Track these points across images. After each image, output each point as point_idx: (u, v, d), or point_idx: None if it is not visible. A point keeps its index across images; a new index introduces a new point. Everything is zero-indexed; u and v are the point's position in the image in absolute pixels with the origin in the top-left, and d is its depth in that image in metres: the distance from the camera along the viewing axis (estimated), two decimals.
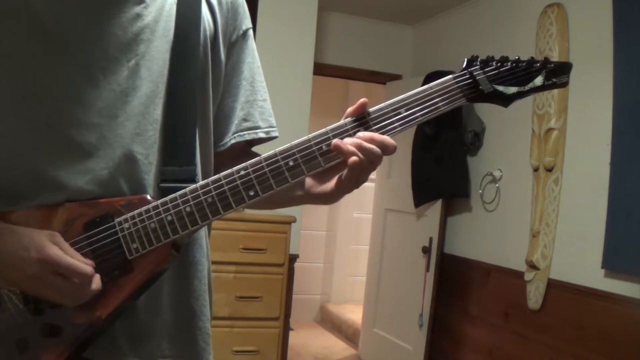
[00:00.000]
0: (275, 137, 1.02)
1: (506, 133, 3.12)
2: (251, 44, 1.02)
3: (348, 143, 0.80)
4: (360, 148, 0.80)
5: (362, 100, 0.84)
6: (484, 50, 3.26)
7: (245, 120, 0.99)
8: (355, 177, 0.83)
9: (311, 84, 3.33)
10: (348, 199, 5.65)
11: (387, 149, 0.81)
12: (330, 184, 0.87)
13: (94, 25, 0.83)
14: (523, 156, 2.89)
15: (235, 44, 0.99)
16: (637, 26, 2.32)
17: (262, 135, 1.00)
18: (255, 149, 1.04)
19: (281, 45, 3.20)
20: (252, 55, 1.02)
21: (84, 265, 0.77)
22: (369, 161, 0.81)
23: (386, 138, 0.82)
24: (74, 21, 0.82)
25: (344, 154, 0.80)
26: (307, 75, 3.31)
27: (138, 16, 0.85)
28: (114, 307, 0.79)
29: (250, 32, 1.02)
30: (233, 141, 0.98)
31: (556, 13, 2.73)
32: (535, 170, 2.80)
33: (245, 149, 1.03)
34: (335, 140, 0.80)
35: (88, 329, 0.79)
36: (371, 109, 0.83)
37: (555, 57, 2.70)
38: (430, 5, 3.72)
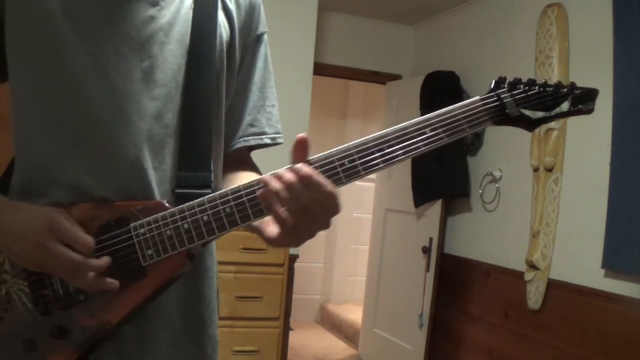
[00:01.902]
0: (280, 144, 1.01)
1: (506, 133, 3.12)
2: (264, 49, 1.01)
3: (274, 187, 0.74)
4: (290, 188, 0.74)
5: (300, 138, 0.76)
6: (484, 51, 3.24)
7: (251, 125, 0.99)
8: (286, 227, 0.76)
9: (311, 84, 3.33)
10: (348, 199, 5.66)
11: (320, 190, 0.73)
12: (274, 227, 0.80)
13: (107, 23, 0.83)
14: (523, 156, 2.89)
15: (249, 47, 0.98)
16: (637, 26, 2.32)
17: (268, 141, 0.99)
18: (260, 153, 1.04)
19: (281, 45, 3.20)
20: (265, 60, 1.01)
21: (87, 236, 0.77)
22: (302, 206, 0.74)
23: (323, 181, 0.73)
24: (86, 17, 0.82)
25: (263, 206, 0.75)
26: (307, 75, 3.31)
27: (152, 18, 0.85)
28: (126, 313, 0.78)
29: (265, 37, 1.01)
30: (238, 145, 0.98)
31: (556, 13, 2.73)
32: (535, 170, 2.80)
33: (245, 155, 1.02)
34: (259, 192, 0.75)
35: (97, 333, 0.78)
36: (394, 127, 0.79)
37: (555, 57, 2.70)
38: (430, 5, 3.72)
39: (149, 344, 0.86)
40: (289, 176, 0.74)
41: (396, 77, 4.16)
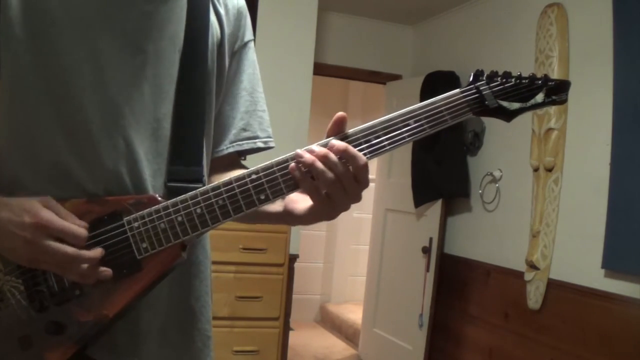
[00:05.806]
0: (272, 147, 1.03)
1: (506, 133, 3.12)
2: (252, 55, 1.03)
3: (309, 160, 0.78)
4: (325, 160, 0.78)
5: (339, 115, 0.82)
6: (484, 51, 3.24)
7: (244, 130, 1.00)
8: (324, 198, 0.80)
9: (311, 84, 3.33)
10: None
11: (355, 162, 0.78)
12: (305, 204, 0.84)
13: (102, 18, 0.83)
14: (523, 156, 2.89)
15: (237, 53, 1.00)
16: (637, 26, 2.32)
17: (261, 144, 1.01)
18: (255, 157, 1.04)
19: (281, 45, 3.20)
20: (253, 66, 1.03)
21: (77, 227, 0.77)
22: (336, 179, 0.78)
23: (357, 154, 0.79)
24: (83, 11, 0.83)
25: (296, 179, 0.79)
26: (307, 75, 3.31)
27: (146, 14, 0.86)
28: (122, 306, 0.79)
29: (252, 44, 1.04)
30: (230, 150, 0.99)
31: (556, 13, 2.73)
32: (535, 170, 2.80)
33: (234, 160, 1.03)
34: (292, 165, 0.79)
35: (94, 327, 0.79)
36: (380, 119, 0.82)
37: (555, 57, 2.70)
38: (430, 5, 3.72)
39: (140, 339, 0.87)
40: (323, 150, 0.78)
41: (396, 77, 4.16)
